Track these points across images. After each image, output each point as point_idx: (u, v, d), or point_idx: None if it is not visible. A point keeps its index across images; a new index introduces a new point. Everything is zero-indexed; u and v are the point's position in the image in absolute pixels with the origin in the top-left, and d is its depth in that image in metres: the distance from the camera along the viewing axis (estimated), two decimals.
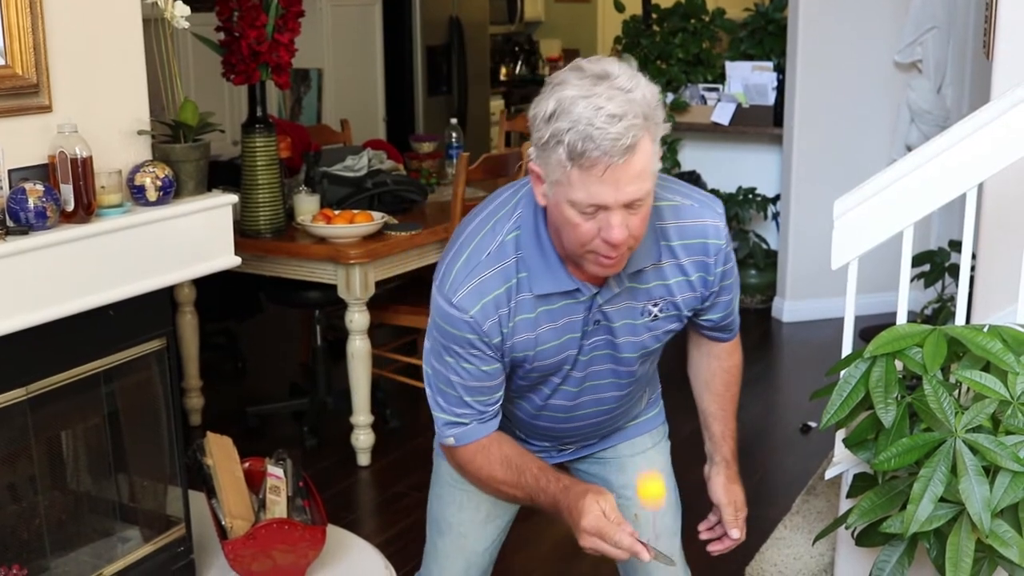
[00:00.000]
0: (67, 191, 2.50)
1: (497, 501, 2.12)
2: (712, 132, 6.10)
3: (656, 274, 1.83)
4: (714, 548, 2.08)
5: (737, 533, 2.06)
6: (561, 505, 1.81)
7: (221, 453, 3.05)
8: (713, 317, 1.99)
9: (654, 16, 6.45)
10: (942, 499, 2.41)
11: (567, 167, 1.59)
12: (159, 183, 2.71)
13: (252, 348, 5.46)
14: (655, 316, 1.87)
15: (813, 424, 4.32)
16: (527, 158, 1.71)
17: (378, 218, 3.97)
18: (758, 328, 5.77)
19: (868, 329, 4.81)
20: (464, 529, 2.15)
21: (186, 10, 2.90)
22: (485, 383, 1.84)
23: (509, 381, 1.91)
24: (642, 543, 1.72)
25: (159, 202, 2.73)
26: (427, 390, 1.90)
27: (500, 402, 1.89)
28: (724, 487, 2.09)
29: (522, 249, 1.77)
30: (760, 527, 3.51)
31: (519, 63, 9.71)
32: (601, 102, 1.56)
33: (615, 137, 1.55)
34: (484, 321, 1.77)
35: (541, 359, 1.85)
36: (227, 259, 2.95)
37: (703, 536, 2.09)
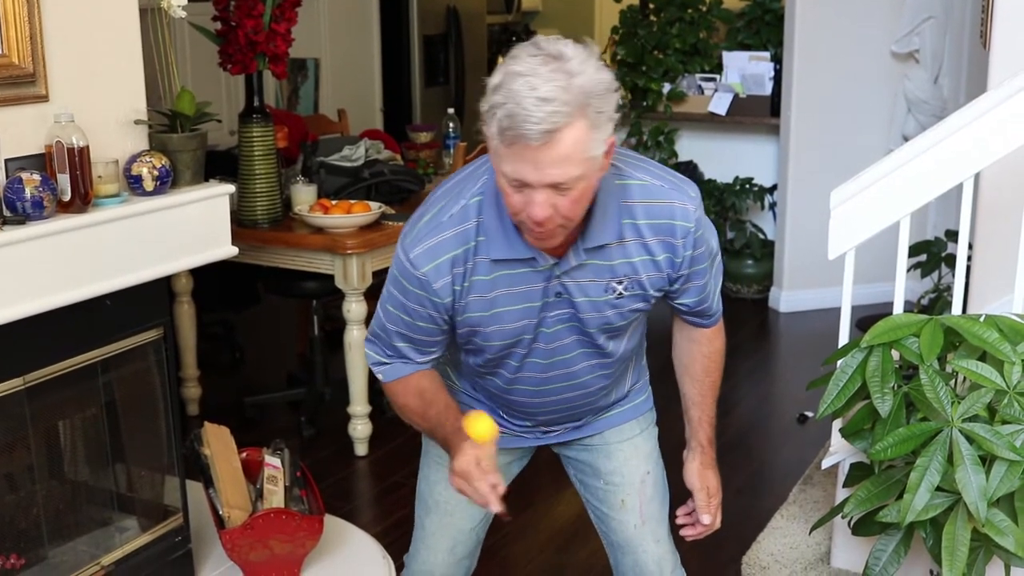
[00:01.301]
0: (64, 181, 2.50)
1: None
2: (709, 122, 6.09)
3: (620, 251, 1.85)
4: (686, 533, 2.11)
5: (708, 519, 2.08)
6: (450, 444, 1.88)
7: (219, 443, 3.05)
8: (687, 301, 1.99)
9: (651, 6, 6.44)
10: (938, 488, 2.42)
11: (496, 140, 1.64)
12: (156, 173, 2.71)
13: (249, 338, 5.46)
14: (619, 294, 1.88)
15: (810, 414, 4.33)
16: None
17: (375, 208, 3.96)
18: (755, 318, 5.77)
19: (865, 319, 4.81)
20: (450, 507, 2.18)
21: None
22: (419, 336, 1.92)
23: (474, 355, 1.97)
24: (500, 502, 1.79)
25: (156, 192, 2.73)
26: (372, 325, 2.01)
27: (431, 358, 1.97)
28: (698, 472, 2.10)
29: (483, 214, 1.81)
30: (757, 517, 3.52)
31: None
32: (538, 83, 1.59)
33: (536, 120, 1.58)
34: (436, 280, 1.83)
35: (498, 323, 1.88)
36: (224, 249, 2.94)
37: (679, 521, 2.11)
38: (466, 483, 1.80)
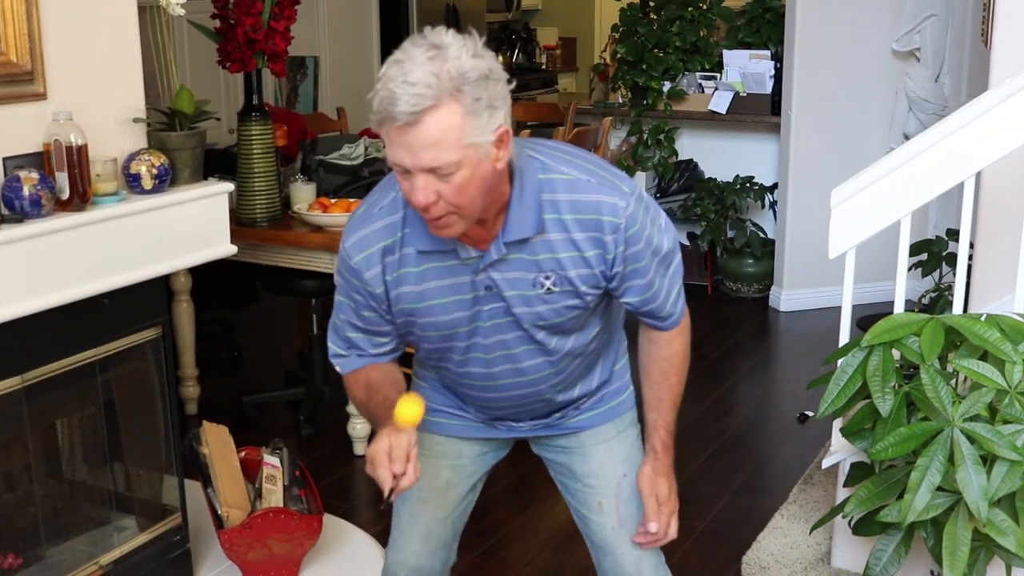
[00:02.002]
0: (62, 179, 2.49)
1: (457, 468, 2.19)
2: (709, 121, 6.09)
3: (544, 246, 1.85)
4: (636, 538, 2.10)
5: (655, 527, 2.06)
6: (379, 431, 1.90)
7: (217, 442, 3.05)
8: (630, 300, 1.97)
9: (651, 4, 6.43)
10: (939, 488, 2.41)
11: (375, 125, 1.68)
12: (155, 171, 2.71)
13: (248, 337, 5.46)
14: (549, 289, 1.88)
15: (810, 413, 4.32)
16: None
17: None
18: (755, 317, 5.77)
19: (865, 318, 4.81)
20: (424, 494, 2.17)
21: None
22: (366, 326, 1.97)
23: (420, 345, 2.01)
24: (390, 488, 1.79)
25: (155, 190, 2.72)
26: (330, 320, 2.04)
27: (384, 349, 2.00)
28: (649, 478, 2.08)
29: (409, 206, 1.82)
30: (757, 516, 3.52)
31: (516, 51, 9.68)
32: (410, 67, 1.63)
33: (400, 102, 1.62)
34: (367, 270, 1.88)
35: (431, 315, 1.91)
36: (223, 248, 2.94)
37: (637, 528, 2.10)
38: (372, 468, 1.82)
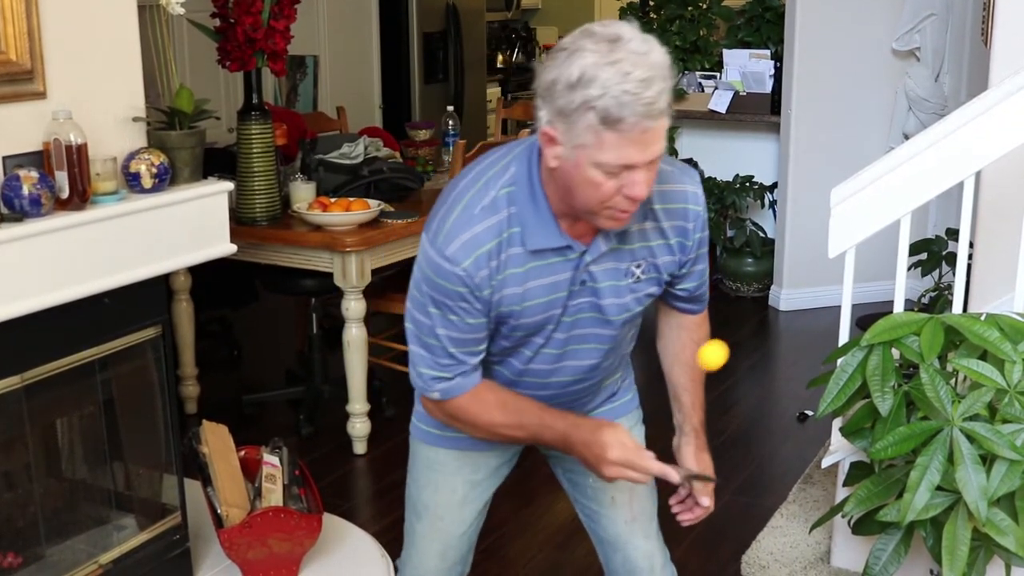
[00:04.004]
0: (62, 178, 2.49)
1: (474, 483, 2.15)
2: (709, 120, 6.08)
3: (640, 235, 1.88)
4: (684, 518, 2.07)
5: (707, 501, 2.05)
6: (573, 440, 1.88)
7: (217, 441, 3.05)
8: (688, 286, 2.01)
9: (651, 3, 6.44)
10: (939, 488, 2.42)
11: (600, 131, 1.63)
12: (154, 170, 2.70)
13: (248, 336, 5.46)
14: (638, 278, 1.90)
15: (810, 412, 4.32)
16: (537, 122, 1.74)
17: (374, 206, 3.96)
18: (755, 316, 5.77)
19: (865, 317, 4.81)
20: (440, 511, 2.16)
21: None
22: (469, 335, 1.86)
23: (492, 342, 1.93)
24: (670, 466, 1.86)
25: (154, 189, 2.72)
26: (410, 347, 1.92)
27: (482, 357, 1.92)
28: (695, 456, 2.08)
29: (515, 204, 1.80)
30: (756, 515, 3.52)
31: (516, 50, 9.68)
32: (627, 67, 1.60)
33: (649, 101, 1.60)
34: (476, 273, 1.80)
35: (527, 316, 1.87)
36: (223, 247, 2.94)
37: (674, 510, 2.08)
38: (629, 468, 1.83)
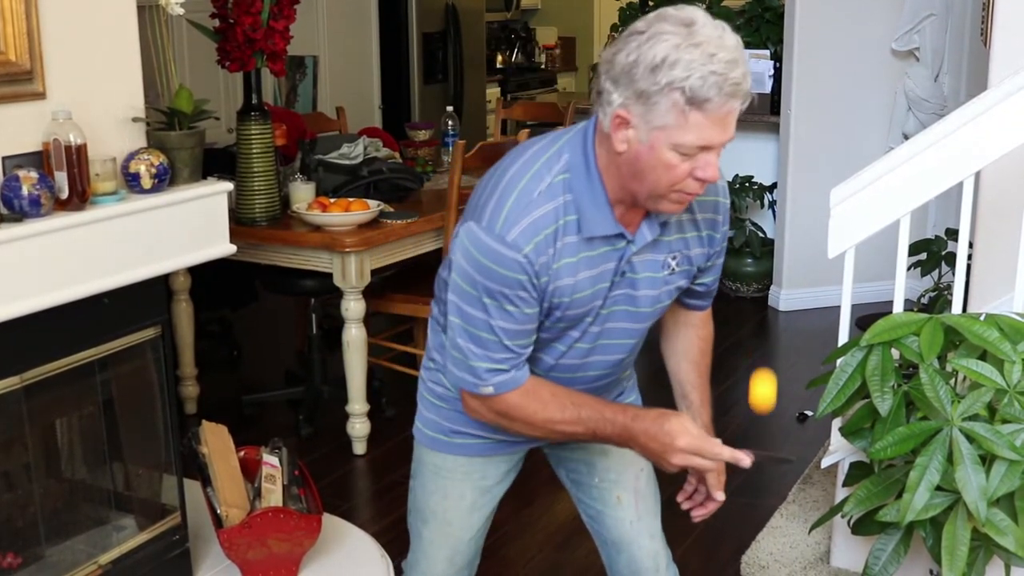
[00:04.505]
0: (61, 178, 2.49)
1: (484, 490, 2.14)
2: None
3: (678, 227, 1.89)
4: (697, 513, 2.06)
5: (721, 495, 2.04)
6: (634, 431, 1.85)
7: (217, 442, 3.05)
8: (706, 280, 2.02)
9: (651, 3, 6.44)
10: (938, 488, 2.41)
11: (686, 111, 1.64)
12: (154, 171, 2.70)
13: (247, 337, 5.46)
14: (673, 270, 1.90)
15: (810, 413, 4.32)
16: (606, 106, 1.72)
17: (374, 206, 3.96)
18: (754, 317, 5.77)
19: (865, 318, 4.81)
20: (449, 516, 2.15)
21: None
22: (525, 326, 1.81)
23: (534, 335, 1.89)
24: (740, 450, 1.84)
25: (154, 190, 2.72)
26: (456, 341, 1.83)
27: (530, 351, 1.87)
28: None
29: (572, 192, 1.77)
30: (756, 516, 3.52)
31: (515, 51, 9.69)
32: (712, 49, 1.62)
33: (737, 81, 1.64)
34: (536, 259, 1.75)
35: (574, 308, 1.85)
36: (222, 247, 2.93)
37: (684, 506, 2.08)
38: (698, 456, 1.82)
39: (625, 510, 2.16)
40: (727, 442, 1.86)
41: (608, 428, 1.86)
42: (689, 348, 2.12)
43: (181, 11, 2.88)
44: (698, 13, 1.67)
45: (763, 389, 1.93)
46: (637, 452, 1.89)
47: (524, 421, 1.88)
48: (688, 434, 1.82)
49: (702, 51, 1.62)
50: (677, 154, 1.69)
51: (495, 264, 1.75)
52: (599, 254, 1.81)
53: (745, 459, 1.83)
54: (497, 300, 1.77)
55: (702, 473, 1.94)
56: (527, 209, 1.75)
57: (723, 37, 1.65)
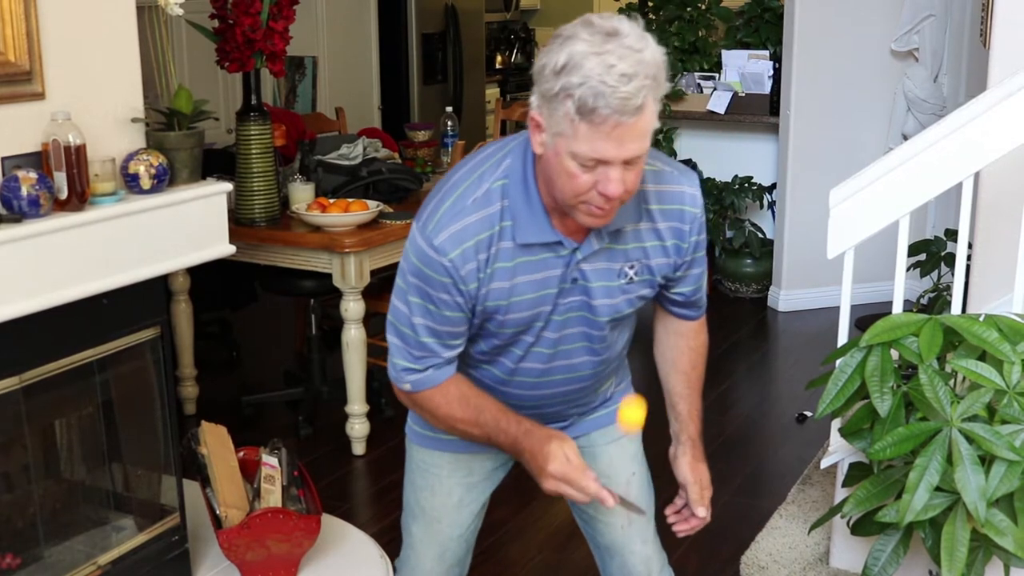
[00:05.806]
0: (60, 179, 2.49)
1: (469, 486, 2.15)
2: (708, 121, 6.09)
3: (634, 236, 1.86)
4: (680, 529, 2.07)
5: (703, 512, 2.05)
6: (522, 446, 1.86)
7: (216, 442, 3.04)
8: (684, 290, 2.00)
9: (650, 4, 6.44)
10: (938, 488, 2.41)
11: (575, 121, 1.61)
12: (153, 171, 2.70)
13: (247, 337, 5.45)
14: (631, 279, 1.89)
15: (809, 413, 4.32)
16: (527, 106, 1.73)
17: (373, 207, 3.96)
18: (754, 317, 5.77)
19: (864, 318, 4.81)
20: (437, 514, 2.16)
21: None
22: (445, 327, 1.85)
23: (482, 340, 1.92)
24: (607, 490, 1.82)
25: (153, 190, 2.72)
26: (388, 336, 1.91)
27: (458, 351, 1.90)
28: (690, 466, 2.07)
29: (508, 198, 1.79)
30: (755, 516, 3.52)
31: (515, 51, 9.69)
32: (613, 60, 1.59)
33: (626, 96, 1.58)
34: (462, 266, 1.78)
35: (514, 312, 1.86)
36: (222, 248, 2.93)
37: (670, 520, 2.08)
38: (566, 484, 1.81)
39: (616, 515, 2.15)
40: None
41: (501, 437, 1.89)
42: (678, 358, 2.11)
43: (180, 12, 2.88)
44: (624, 24, 1.64)
45: (632, 413, 1.90)
46: (525, 466, 1.93)
47: (430, 414, 1.95)
48: (561, 461, 1.81)
49: (602, 61, 1.58)
50: (577, 164, 1.66)
51: (423, 264, 1.81)
52: (539, 260, 1.82)
53: (609, 500, 1.83)
54: (421, 299, 1.83)
55: (571, 499, 1.90)
56: (459, 216, 1.78)
57: (641, 52, 1.61)
